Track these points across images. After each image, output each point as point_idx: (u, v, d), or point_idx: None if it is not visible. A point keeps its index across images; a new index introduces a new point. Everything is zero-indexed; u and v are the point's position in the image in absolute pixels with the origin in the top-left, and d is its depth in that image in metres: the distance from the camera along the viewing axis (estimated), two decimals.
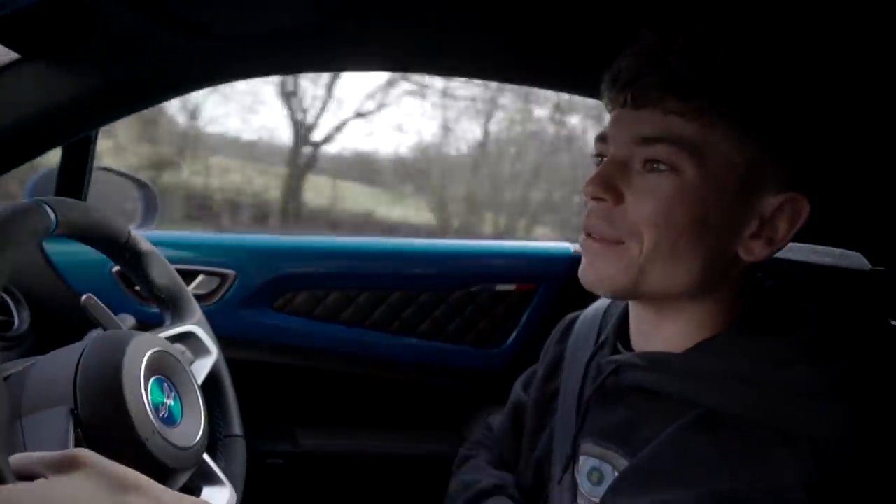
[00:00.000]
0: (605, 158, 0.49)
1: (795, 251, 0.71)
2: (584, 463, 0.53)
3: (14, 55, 0.75)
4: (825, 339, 0.45)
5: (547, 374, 0.65)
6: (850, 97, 0.60)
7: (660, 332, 0.51)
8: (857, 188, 0.67)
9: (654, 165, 0.45)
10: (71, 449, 0.42)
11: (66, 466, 0.39)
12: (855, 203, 0.67)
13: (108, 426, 0.51)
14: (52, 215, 0.54)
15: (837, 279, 0.68)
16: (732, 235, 0.46)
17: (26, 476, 0.39)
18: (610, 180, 0.47)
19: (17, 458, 0.40)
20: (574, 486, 0.54)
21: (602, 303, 0.64)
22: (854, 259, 0.68)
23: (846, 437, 0.41)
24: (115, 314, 0.67)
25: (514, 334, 1.19)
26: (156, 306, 0.75)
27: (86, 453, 0.40)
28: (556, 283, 1.17)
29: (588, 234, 0.50)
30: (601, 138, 0.50)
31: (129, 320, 0.71)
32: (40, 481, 0.38)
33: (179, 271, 0.75)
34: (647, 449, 0.46)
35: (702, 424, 0.44)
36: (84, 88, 0.77)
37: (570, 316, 0.68)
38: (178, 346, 0.68)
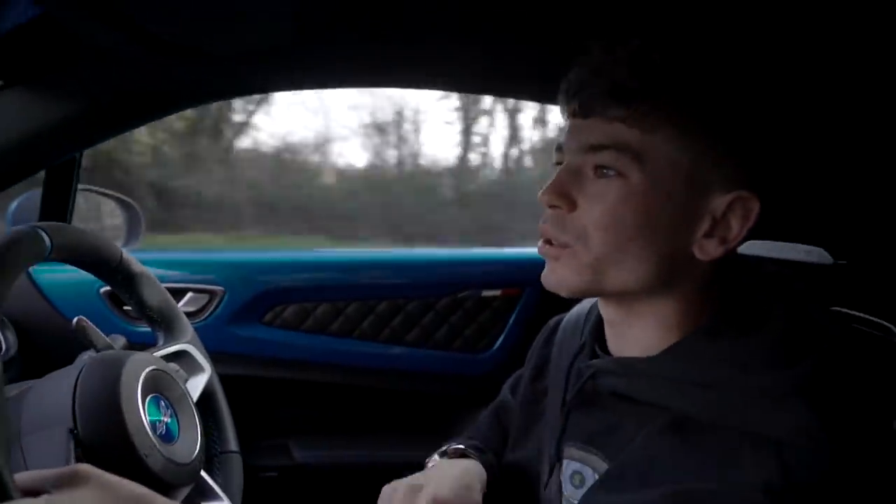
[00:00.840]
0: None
1: (760, 248, 0.74)
2: (567, 466, 0.55)
3: None
4: (788, 340, 0.45)
5: (533, 376, 0.67)
6: (797, 95, 0.62)
7: (631, 334, 0.51)
8: (818, 185, 0.70)
9: (604, 171, 0.47)
10: (73, 465, 0.43)
11: (69, 481, 0.40)
12: (816, 199, 0.71)
13: (107, 444, 0.52)
14: (48, 241, 0.55)
15: (802, 274, 0.71)
16: (684, 235, 0.47)
17: (30, 493, 0.40)
18: (563, 188, 0.48)
19: (20, 476, 0.41)
20: (560, 489, 0.55)
21: (585, 304, 0.65)
22: (817, 254, 0.71)
23: (809, 439, 0.41)
24: (106, 335, 0.68)
25: (501, 338, 1.21)
26: (147, 326, 0.76)
27: (87, 468, 0.41)
28: (540, 286, 1.17)
29: (544, 240, 0.51)
30: (558, 148, 0.51)
31: (120, 340, 0.71)
32: (44, 497, 0.40)
33: (167, 289, 0.76)
34: (622, 453, 0.48)
35: (671, 429, 0.46)
36: (68, 111, 0.77)
37: (554, 319, 0.70)
38: (173, 365, 0.69)
